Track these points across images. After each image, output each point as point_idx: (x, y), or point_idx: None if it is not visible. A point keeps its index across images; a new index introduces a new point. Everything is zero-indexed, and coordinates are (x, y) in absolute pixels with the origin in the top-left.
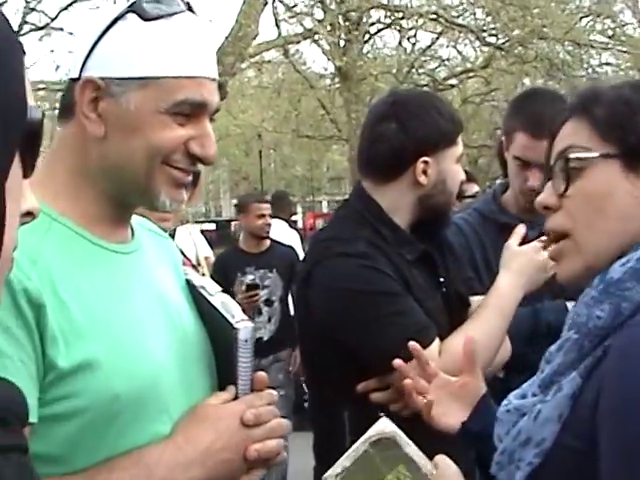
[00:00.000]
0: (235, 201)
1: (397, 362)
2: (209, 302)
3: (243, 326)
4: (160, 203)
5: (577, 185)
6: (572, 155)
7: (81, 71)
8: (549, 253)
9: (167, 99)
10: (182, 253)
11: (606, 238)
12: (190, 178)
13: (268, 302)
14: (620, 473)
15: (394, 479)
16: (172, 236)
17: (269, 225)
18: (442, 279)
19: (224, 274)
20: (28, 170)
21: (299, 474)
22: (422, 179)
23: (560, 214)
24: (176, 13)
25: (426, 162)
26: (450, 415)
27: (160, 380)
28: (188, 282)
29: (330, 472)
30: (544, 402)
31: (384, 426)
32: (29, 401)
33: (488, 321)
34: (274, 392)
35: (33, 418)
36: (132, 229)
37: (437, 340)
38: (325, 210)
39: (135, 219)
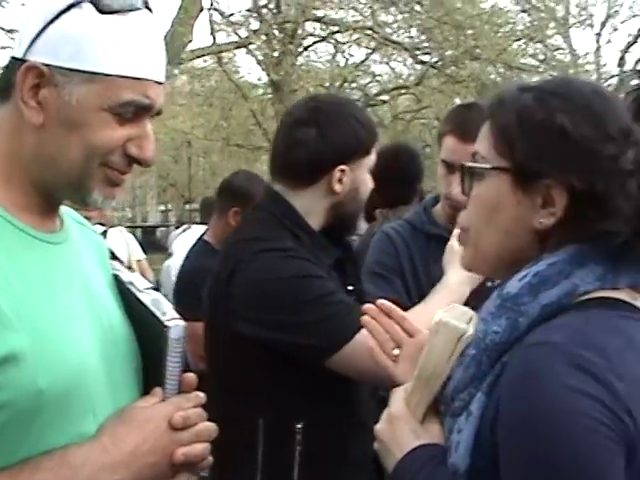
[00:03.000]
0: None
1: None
2: (138, 299)
3: (174, 324)
4: (92, 199)
5: (477, 189)
6: (470, 164)
7: (26, 52)
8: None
9: (113, 98)
10: (114, 255)
11: (492, 247)
12: (124, 177)
13: None
14: None
15: None
16: (103, 237)
17: None
18: (351, 287)
19: None
20: None
21: None
22: (337, 187)
23: (465, 212)
24: (133, 9)
25: (343, 171)
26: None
27: (86, 377)
28: (116, 277)
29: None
30: (460, 432)
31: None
32: None
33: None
34: (202, 394)
35: None
36: (61, 219)
37: None
38: None
39: (64, 209)
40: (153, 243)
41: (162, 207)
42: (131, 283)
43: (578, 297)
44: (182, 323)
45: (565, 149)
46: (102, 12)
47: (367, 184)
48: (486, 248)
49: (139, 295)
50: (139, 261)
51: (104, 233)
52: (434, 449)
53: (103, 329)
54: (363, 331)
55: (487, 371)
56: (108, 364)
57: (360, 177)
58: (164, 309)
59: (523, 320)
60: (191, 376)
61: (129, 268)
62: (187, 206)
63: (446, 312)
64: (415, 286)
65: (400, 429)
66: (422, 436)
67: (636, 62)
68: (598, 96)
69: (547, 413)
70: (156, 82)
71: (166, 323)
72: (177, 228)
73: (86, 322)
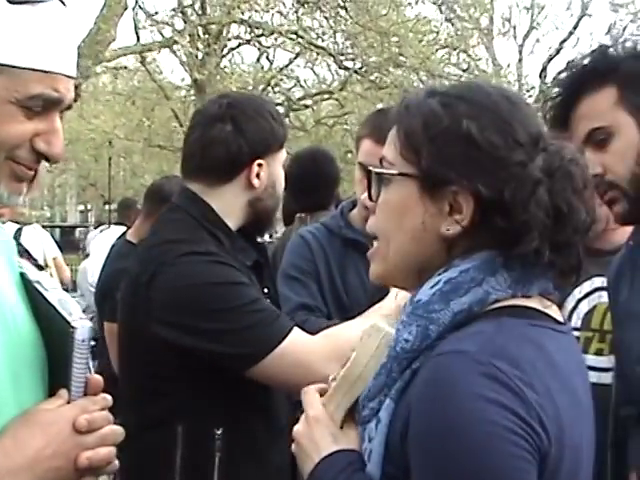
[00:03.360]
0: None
1: None
2: (45, 298)
3: (81, 325)
4: None
5: (384, 195)
6: (377, 170)
7: None
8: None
9: (21, 91)
10: (28, 253)
11: (400, 255)
12: (32, 173)
13: None
14: None
15: None
16: (18, 236)
17: None
18: (267, 289)
19: None
20: None
21: None
22: (255, 182)
23: (373, 218)
24: (44, 1)
25: (260, 165)
26: None
27: None
28: (22, 276)
29: None
30: (371, 440)
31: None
32: None
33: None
34: (109, 397)
35: None
36: None
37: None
38: None
39: None
40: (72, 243)
41: (81, 207)
42: (38, 282)
43: (490, 305)
44: (88, 324)
45: (471, 156)
46: (11, 2)
47: (282, 179)
48: (394, 256)
49: (46, 295)
50: (54, 259)
51: (19, 231)
52: (352, 455)
53: (8, 330)
54: (285, 342)
55: (397, 378)
56: (13, 366)
57: (276, 171)
58: (71, 309)
59: (434, 328)
60: (97, 378)
61: (45, 266)
62: (107, 206)
63: (385, 318)
64: (331, 290)
65: (319, 432)
66: (341, 441)
67: (557, 74)
68: (506, 101)
69: (458, 422)
70: (66, 76)
71: (72, 324)
72: (96, 228)
73: None
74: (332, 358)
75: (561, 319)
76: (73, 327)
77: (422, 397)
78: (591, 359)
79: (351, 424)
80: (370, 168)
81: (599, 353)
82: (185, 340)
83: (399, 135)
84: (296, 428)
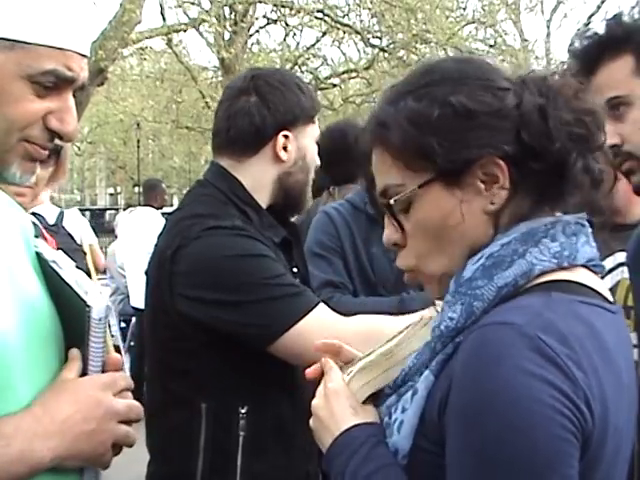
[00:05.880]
0: (111, 190)
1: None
2: (61, 277)
3: (97, 304)
4: (10, 175)
5: (411, 220)
6: (392, 200)
7: None
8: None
9: (33, 66)
10: (71, 237)
11: (456, 255)
12: (46, 152)
13: None
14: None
15: None
16: (60, 219)
17: None
18: (296, 269)
19: None
20: None
21: None
22: (282, 154)
23: (406, 251)
24: None
25: (286, 136)
26: None
27: (4, 356)
28: (39, 255)
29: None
30: (404, 411)
31: None
32: None
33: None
34: (128, 376)
35: None
36: None
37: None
38: None
39: None
40: (102, 226)
41: (111, 190)
42: (54, 262)
43: (536, 279)
44: (104, 303)
45: (476, 125)
46: None
47: (314, 154)
48: (449, 265)
49: (62, 274)
50: (90, 245)
51: (61, 214)
52: (372, 428)
53: (25, 308)
54: (308, 317)
55: (439, 352)
56: (30, 344)
57: (306, 145)
58: (86, 288)
59: (478, 304)
60: (116, 358)
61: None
62: (136, 189)
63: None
64: (356, 266)
65: (339, 405)
66: (361, 414)
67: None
68: (465, 64)
69: (500, 398)
70: (79, 54)
71: (88, 302)
72: (125, 210)
73: (7, 301)
74: (360, 341)
75: (610, 297)
76: (89, 306)
77: (463, 369)
78: None
79: (370, 403)
80: (382, 202)
81: None
82: (205, 313)
83: (393, 154)
84: (314, 402)
